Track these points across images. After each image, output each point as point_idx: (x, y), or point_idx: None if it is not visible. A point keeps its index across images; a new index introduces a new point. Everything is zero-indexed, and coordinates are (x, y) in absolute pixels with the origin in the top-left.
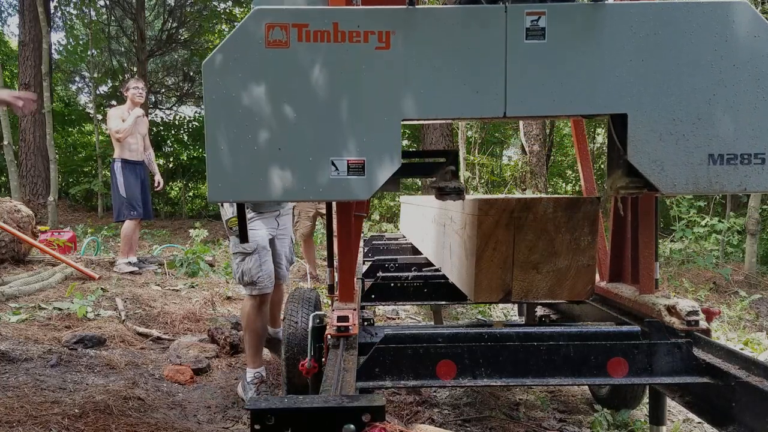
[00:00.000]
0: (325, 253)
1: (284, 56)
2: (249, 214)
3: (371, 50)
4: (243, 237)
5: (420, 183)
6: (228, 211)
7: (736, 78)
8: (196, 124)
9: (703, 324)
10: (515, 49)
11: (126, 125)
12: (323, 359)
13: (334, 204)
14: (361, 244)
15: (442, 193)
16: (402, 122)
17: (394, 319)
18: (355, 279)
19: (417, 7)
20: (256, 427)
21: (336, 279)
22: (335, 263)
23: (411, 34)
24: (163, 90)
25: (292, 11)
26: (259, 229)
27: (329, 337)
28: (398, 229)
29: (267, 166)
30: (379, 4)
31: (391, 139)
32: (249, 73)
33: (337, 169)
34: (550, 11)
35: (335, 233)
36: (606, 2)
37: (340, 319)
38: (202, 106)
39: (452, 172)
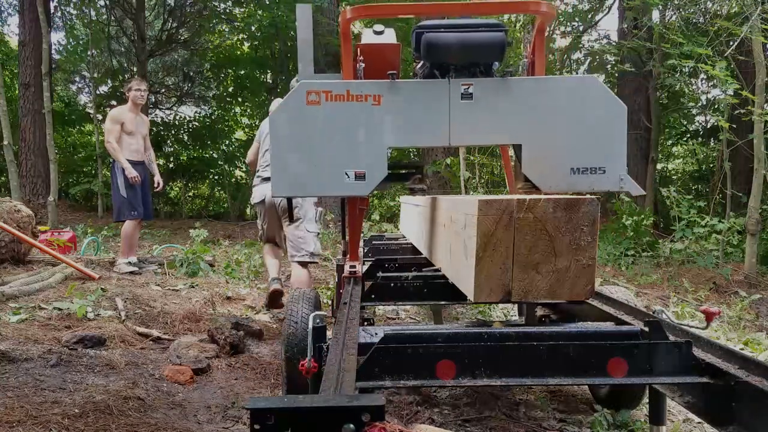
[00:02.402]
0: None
1: (317, 110)
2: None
3: (369, 106)
4: (291, 218)
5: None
6: (306, 205)
7: (588, 122)
8: (196, 124)
9: None
10: (455, 105)
11: (116, 147)
12: (324, 357)
13: (346, 199)
14: (361, 243)
15: (412, 192)
16: (387, 148)
17: (394, 319)
18: (359, 247)
19: (396, 80)
20: (256, 426)
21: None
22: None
23: (393, 96)
24: (163, 90)
25: (322, 83)
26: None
27: (344, 278)
28: (398, 229)
29: (308, 174)
30: (375, 72)
31: (381, 159)
32: (297, 120)
33: (348, 176)
34: (475, 83)
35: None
36: (509, 78)
37: (351, 266)
38: (203, 107)
39: (419, 179)
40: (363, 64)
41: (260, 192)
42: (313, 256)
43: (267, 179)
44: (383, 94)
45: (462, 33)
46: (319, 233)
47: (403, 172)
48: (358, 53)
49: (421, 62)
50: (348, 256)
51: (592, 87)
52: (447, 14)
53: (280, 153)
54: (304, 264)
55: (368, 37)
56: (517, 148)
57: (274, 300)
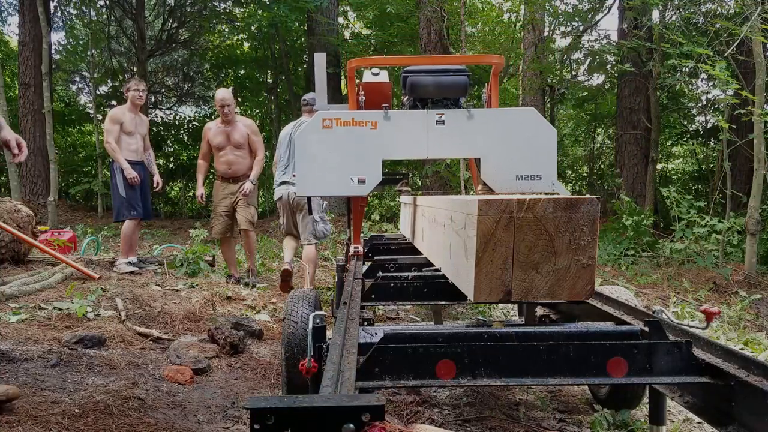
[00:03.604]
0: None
1: (330, 132)
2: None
3: (369, 129)
4: (310, 211)
5: (420, 183)
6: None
7: (528, 142)
8: (196, 124)
9: None
10: (431, 129)
11: (115, 147)
12: (324, 357)
13: (351, 198)
14: (362, 242)
15: (400, 193)
16: (382, 160)
17: (394, 319)
18: (360, 233)
19: (388, 111)
20: (256, 426)
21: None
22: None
23: (386, 122)
24: (163, 90)
25: (334, 113)
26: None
27: (350, 256)
28: (398, 229)
29: (323, 179)
30: (373, 103)
31: (377, 168)
32: (315, 139)
33: (353, 181)
34: (446, 113)
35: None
36: (471, 109)
37: (355, 247)
38: (203, 107)
39: (406, 182)
40: (364, 97)
41: (277, 193)
42: (318, 237)
43: (283, 183)
44: (378, 121)
45: (436, 76)
46: (325, 219)
47: (393, 177)
48: (360, 89)
49: (407, 97)
50: (352, 240)
51: (530, 116)
52: (426, 64)
53: (303, 163)
54: (311, 244)
55: (368, 77)
56: (477, 160)
57: (285, 279)
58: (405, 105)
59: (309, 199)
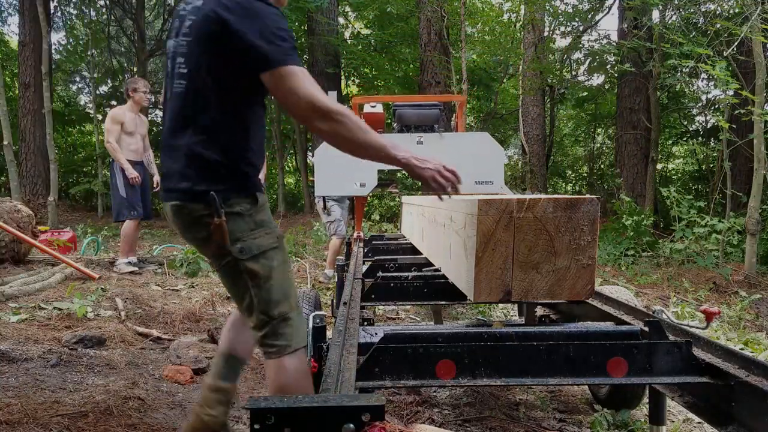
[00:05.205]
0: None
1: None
2: (330, 203)
3: None
4: (325, 207)
5: (420, 183)
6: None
7: (483, 157)
8: None
9: None
10: (413, 147)
11: (115, 147)
12: (324, 357)
13: (355, 198)
14: (361, 243)
15: (391, 193)
16: (377, 169)
17: (394, 319)
18: (362, 224)
19: (383, 134)
20: (256, 426)
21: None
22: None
23: None
24: (164, 90)
25: None
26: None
27: (353, 240)
28: (398, 229)
29: (334, 182)
30: (371, 126)
31: (373, 175)
32: (329, 154)
33: (356, 185)
34: (424, 136)
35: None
36: (443, 133)
37: (357, 234)
38: None
39: (396, 185)
40: None
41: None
42: (335, 235)
43: None
44: None
45: (417, 109)
46: (339, 220)
47: (385, 182)
48: (361, 118)
49: (396, 124)
50: (356, 228)
51: (485, 138)
52: (410, 101)
53: (320, 171)
54: (334, 236)
55: (367, 108)
56: None
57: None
58: (395, 129)
59: (324, 199)
